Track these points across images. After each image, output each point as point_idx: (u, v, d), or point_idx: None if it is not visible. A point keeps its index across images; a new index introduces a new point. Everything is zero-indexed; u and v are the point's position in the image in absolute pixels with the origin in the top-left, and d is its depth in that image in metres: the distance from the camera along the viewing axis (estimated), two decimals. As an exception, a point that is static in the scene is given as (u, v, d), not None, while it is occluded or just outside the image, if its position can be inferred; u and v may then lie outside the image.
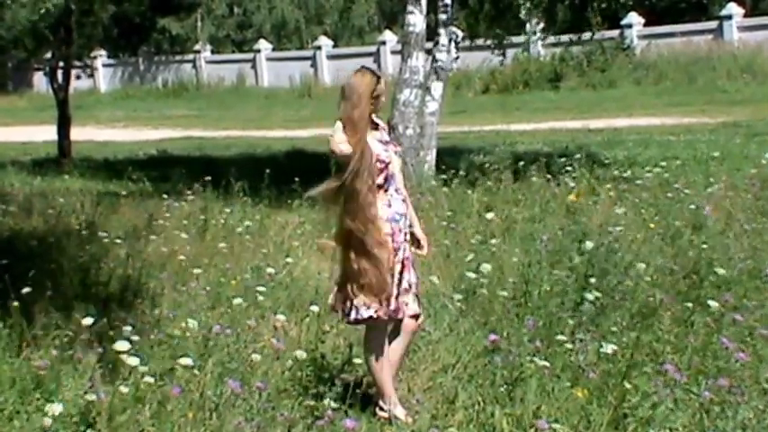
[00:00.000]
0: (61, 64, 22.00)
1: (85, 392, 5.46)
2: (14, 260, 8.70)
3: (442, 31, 14.49)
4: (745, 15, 33.68)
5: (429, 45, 14.41)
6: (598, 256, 7.56)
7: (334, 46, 42.45)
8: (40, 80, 41.47)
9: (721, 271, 7.56)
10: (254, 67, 42.64)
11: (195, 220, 10.99)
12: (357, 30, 47.45)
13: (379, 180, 5.70)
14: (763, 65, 30.77)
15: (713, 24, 33.88)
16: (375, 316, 5.65)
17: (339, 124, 5.63)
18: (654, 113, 25.25)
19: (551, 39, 19.85)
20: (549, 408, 5.57)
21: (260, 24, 48.12)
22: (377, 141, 5.74)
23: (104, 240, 9.89)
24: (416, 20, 13.88)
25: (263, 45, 43.09)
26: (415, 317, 5.80)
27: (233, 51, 46.80)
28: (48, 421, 5.21)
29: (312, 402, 5.77)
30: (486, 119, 26.91)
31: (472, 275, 7.68)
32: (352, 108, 5.62)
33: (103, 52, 44.88)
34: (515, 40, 17.94)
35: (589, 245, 7.71)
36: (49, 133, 22.86)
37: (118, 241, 9.91)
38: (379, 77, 5.74)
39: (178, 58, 45.61)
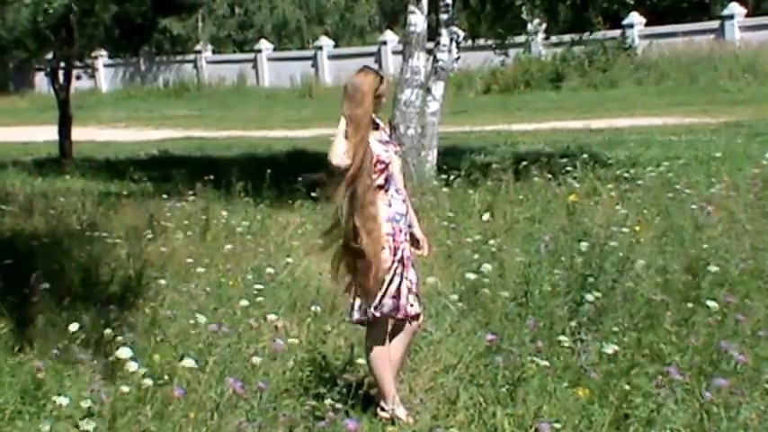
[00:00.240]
0: (62, 64, 21.99)
1: (88, 392, 5.45)
2: (15, 260, 8.71)
3: (443, 30, 14.48)
4: (747, 15, 33.65)
5: (430, 45, 14.40)
6: (599, 257, 7.55)
7: (335, 46, 42.45)
8: (41, 80, 41.44)
9: (722, 271, 7.55)
10: (255, 67, 42.64)
11: (196, 221, 10.99)
12: (358, 30, 47.45)
13: (380, 180, 5.70)
14: (765, 65, 30.73)
15: (715, 24, 33.86)
16: (378, 314, 5.65)
17: (342, 126, 5.62)
18: (655, 113, 25.22)
19: (553, 39, 19.84)
20: (550, 408, 5.57)
21: (261, 24, 48.13)
22: (377, 142, 5.74)
23: (105, 241, 9.89)
24: (417, 20, 13.88)
25: (264, 45, 43.09)
26: (416, 317, 5.80)
27: (234, 51, 46.81)
28: (49, 423, 5.21)
29: (313, 403, 5.77)
30: (487, 119, 26.89)
31: (473, 276, 7.67)
32: (356, 107, 5.63)
33: (104, 52, 44.87)
34: (516, 39, 17.86)
35: (590, 245, 7.70)
36: (50, 133, 22.86)
37: (119, 241, 9.91)
38: (382, 77, 5.75)
39: (179, 58, 45.61)
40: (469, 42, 16.94)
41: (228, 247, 9.66)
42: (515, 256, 8.34)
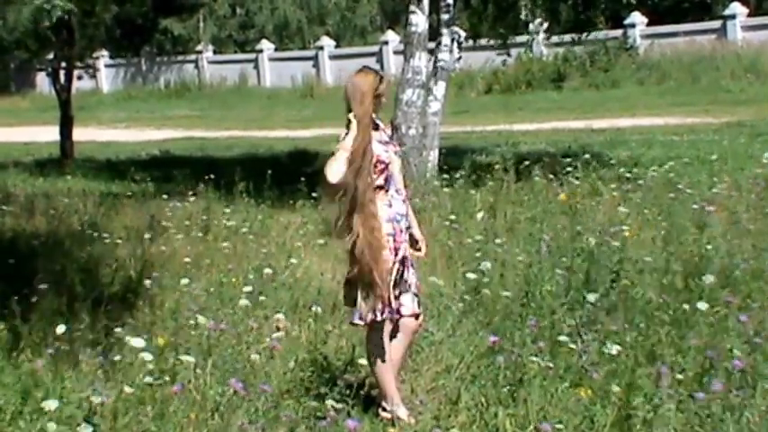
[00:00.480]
0: (63, 65, 21.99)
1: (90, 392, 5.45)
2: (17, 260, 8.71)
3: (444, 30, 14.47)
4: (749, 15, 33.61)
5: (431, 45, 14.40)
6: (601, 256, 7.54)
7: (337, 46, 42.43)
8: (42, 81, 41.45)
9: (724, 271, 7.54)
10: (256, 67, 42.63)
11: (197, 221, 10.99)
12: (359, 30, 47.44)
13: (380, 181, 5.70)
14: (766, 64, 30.69)
15: (717, 24, 33.83)
16: (379, 318, 5.64)
17: (348, 143, 5.58)
18: (657, 113, 25.20)
19: (554, 38, 19.83)
20: (552, 408, 5.56)
21: (262, 25, 48.11)
22: (377, 142, 5.74)
23: (106, 241, 9.89)
24: (419, 20, 13.87)
25: (266, 45, 43.08)
26: (416, 316, 5.79)
27: (235, 52, 46.79)
28: (50, 424, 5.20)
29: (315, 403, 5.77)
30: (488, 119, 26.87)
31: (475, 276, 7.66)
32: (356, 107, 5.63)
33: (106, 53, 44.83)
34: (518, 39, 17.85)
35: (592, 245, 7.69)
36: (51, 134, 22.86)
37: (120, 242, 9.90)
38: (381, 77, 5.75)
39: (180, 58, 45.59)
40: (471, 42, 16.93)
41: (229, 247, 9.65)
42: (517, 256, 8.33)
